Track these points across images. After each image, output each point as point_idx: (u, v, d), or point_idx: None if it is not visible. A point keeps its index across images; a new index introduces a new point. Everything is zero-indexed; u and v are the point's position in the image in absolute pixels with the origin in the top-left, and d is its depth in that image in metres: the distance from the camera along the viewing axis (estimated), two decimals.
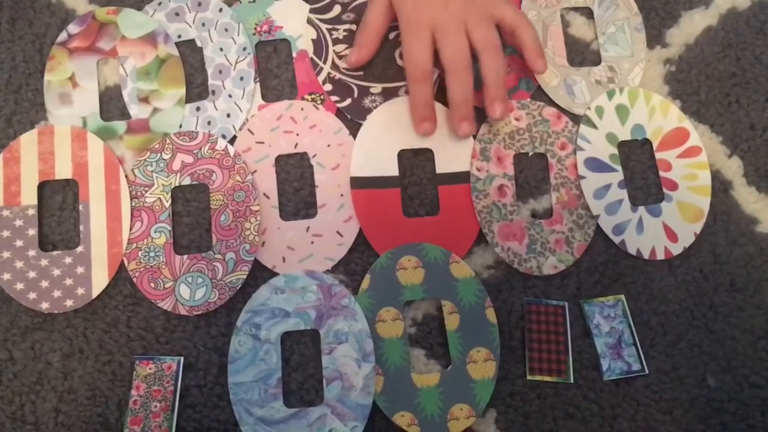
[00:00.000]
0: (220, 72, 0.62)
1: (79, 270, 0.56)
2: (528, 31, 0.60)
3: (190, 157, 0.59)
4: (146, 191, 0.58)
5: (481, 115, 0.62)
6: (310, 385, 0.55)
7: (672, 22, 0.67)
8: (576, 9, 0.67)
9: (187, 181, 0.59)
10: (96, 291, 0.56)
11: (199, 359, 0.56)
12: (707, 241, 0.61)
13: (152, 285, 0.56)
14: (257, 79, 0.62)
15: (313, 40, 0.63)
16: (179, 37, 0.63)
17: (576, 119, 0.63)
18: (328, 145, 0.60)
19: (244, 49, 0.62)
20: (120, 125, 0.60)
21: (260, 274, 0.57)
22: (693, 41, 0.66)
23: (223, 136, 0.60)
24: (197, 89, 0.62)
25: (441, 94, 0.61)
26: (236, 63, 0.62)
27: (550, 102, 0.63)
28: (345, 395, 0.54)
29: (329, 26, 0.64)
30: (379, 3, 0.60)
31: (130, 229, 0.57)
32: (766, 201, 0.62)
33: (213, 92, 0.62)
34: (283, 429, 0.53)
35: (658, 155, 0.62)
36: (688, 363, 0.58)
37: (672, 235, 0.60)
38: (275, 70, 0.63)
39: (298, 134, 0.60)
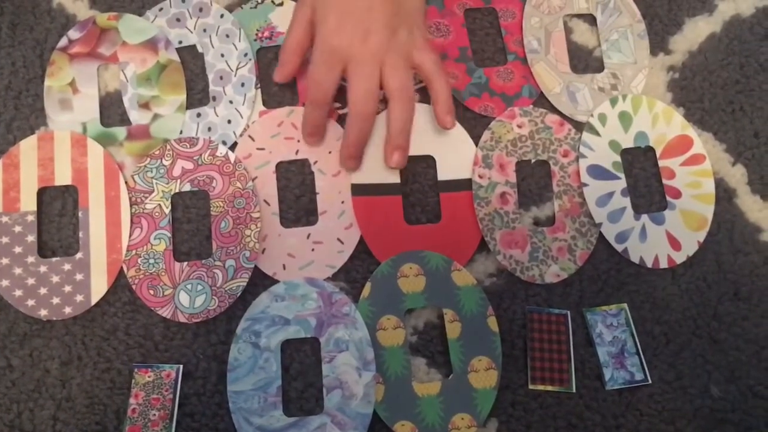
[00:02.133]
0: (221, 78, 0.62)
1: (78, 277, 0.56)
2: (443, 86, 0.58)
3: (191, 164, 0.59)
4: (146, 198, 0.58)
5: (478, 124, 0.61)
6: (310, 393, 0.55)
7: (675, 29, 0.66)
8: (579, 16, 0.66)
9: (187, 188, 0.58)
10: (95, 298, 0.56)
11: (199, 367, 0.55)
12: (711, 249, 0.60)
13: (152, 292, 0.56)
14: (258, 86, 0.62)
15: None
16: (180, 42, 0.63)
17: (579, 126, 0.62)
18: (330, 152, 0.60)
19: (245, 55, 0.62)
20: (120, 131, 0.60)
21: (260, 281, 0.57)
22: (696, 48, 0.66)
23: (224, 143, 0.60)
24: (198, 95, 0.62)
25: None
26: (237, 69, 0.62)
27: (553, 109, 0.63)
28: (345, 404, 0.53)
29: None
30: (300, 19, 0.58)
31: (130, 236, 0.57)
32: None
33: (214, 98, 0.61)
34: None
35: (661, 163, 0.62)
36: (692, 373, 0.57)
37: (675, 244, 0.60)
38: None
39: (299, 141, 0.60)
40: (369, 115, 0.56)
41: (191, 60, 0.63)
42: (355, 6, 0.55)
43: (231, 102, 0.61)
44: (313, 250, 0.58)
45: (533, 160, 0.61)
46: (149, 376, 0.54)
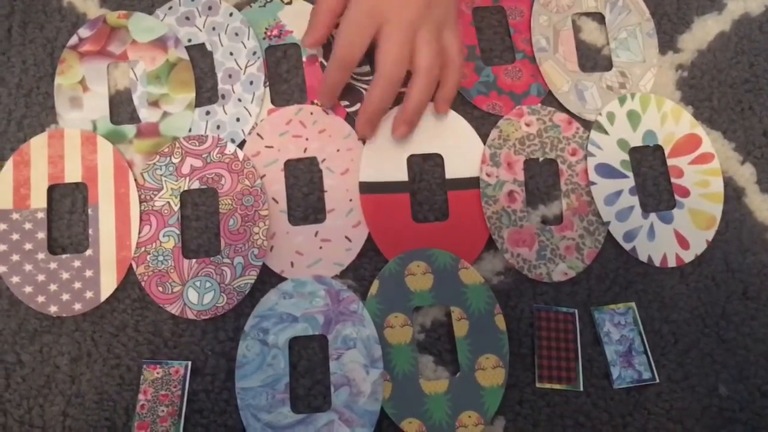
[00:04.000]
0: (230, 76, 0.62)
1: (88, 273, 0.56)
2: (454, 74, 0.58)
3: (199, 161, 0.59)
4: (155, 195, 0.58)
5: (486, 122, 0.62)
6: (317, 390, 0.55)
7: (684, 28, 0.66)
8: (587, 14, 0.66)
9: (196, 185, 0.59)
10: (104, 294, 0.56)
11: (207, 364, 0.56)
12: (719, 248, 0.60)
13: (160, 289, 0.56)
14: (267, 84, 0.62)
15: (323, 46, 0.63)
16: (189, 41, 0.63)
17: (587, 125, 0.62)
18: (338, 150, 0.60)
19: (254, 53, 0.62)
20: (130, 129, 0.60)
21: (268, 278, 0.57)
22: (705, 47, 0.66)
23: (233, 140, 0.60)
24: (207, 93, 0.62)
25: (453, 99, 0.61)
26: (246, 67, 0.62)
27: (561, 107, 0.63)
28: (353, 401, 0.53)
29: None
30: None
31: (139, 233, 0.57)
32: None
33: (222, 96, 0.62)
34: None
35: (669, 162, 0.62)
36: (700, 372, 0.57)
37: (684, 243, 0.59)
38: (285, 74, 0.63)
39: (307, 139, 0.60)
40: (396, 82, 0.55)
41: (200, 58, 0.63)
42: None
43: (240, 100, 0.61)
44: (321, 247, 0.58)
45: (541, 159, 0.61)
46: (158, 373, 0.55)
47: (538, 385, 0.56)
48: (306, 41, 0.59)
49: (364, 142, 0.60)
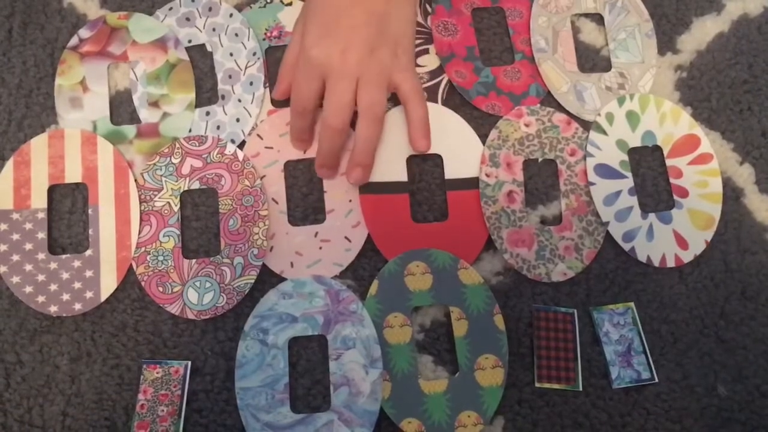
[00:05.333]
0: (230, 77, 0.62)
1: (88, 273, 0.57)
2: (419, 109, 0.58)
3: (199, 162, 0.59)
4: (155, 195, 0.58)
5: (486, 122, 0.62)
6: (317, 390, 0.55)
7: (683, 29, 0.66)
8: (586, 15, 0.66)
9: (196, 186, 0.59)
10: (104, 294, 0.56)
11: (207, 364, 0.56)
12: (718, 248, 0.60)
13: (160, 289, 0.56)
14: (267, 85, 0.62)
15: None
16: (189, 41, 0.63)
17: (586, 125, 0.62)
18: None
19: (254, 54, 0.62)
20: (130, 129, 0.61)
21: (268, 279, 0.57)
22: (704, 48, 0.66)
23: (233, 141, 0.60)
24: (207, 94, 0.62)
25: (452, 100, 0.62)
26: (246, 68, 0.62)
27: (560, 108, 0.63)
28: (352, 401, 0.53)
29: None
30: (296, 37, 0.59)
31: (139, 233, 0.57)
32: None
33: (222, 97, 0.62)
34: None
35: (668, 162, 0.62)
36: (699, 372, 0.57)
37: (683, 243, 0.60)
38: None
39: None
40: (339, 130, 0.56)
41: (200, 59, 0.63)
42: (339, 22, 0.55)
43: (239, 100, 0.61)
44: (320, 248, 0.58)
45: (540, 159, 0.61)
46: (158, 373, 0.55)
47: (537, 384, 0.56)
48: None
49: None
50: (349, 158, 0.58)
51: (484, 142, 0.61)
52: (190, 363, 0.55)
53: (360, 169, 0.58)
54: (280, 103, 0.62)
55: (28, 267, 0.57)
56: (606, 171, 0.61)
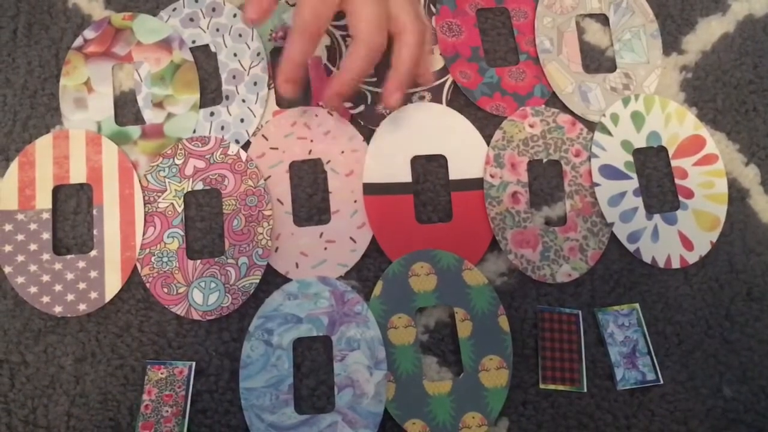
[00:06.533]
0: (234, 77, 0.62)
1: (93, 274, 0.57)
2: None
3: (203, 162, 0.59)
4: (159, 196, 0.58)
5: (490, 123, 0.62)
6: (321, 391, 0.55)
7: (688, 29, 0.66)
8: (591, 16, 0.66)
9: (199, 186, 0.59)
10: (109, 295, 0.56)
11: (211, 364, 0.56)
12: (723, 249, 0.60)
13: (165, 290, 0.56)
14: (271, 85, 0.62)
15: (327, 47, 0.63)
16: (193, 42, 0.63)
17: (591, 126, 0.62)
18: (342, 152, 0.60)
19: (258, 54, 0.62)
20: (134, 130, 0.61)
21: (273, 279, 0.57)
22: (710, 48, 0.66)
23: (237, 141, 0.60)
24: (211, 94, 0.62)
25: (457, 100, 0.61)
26: (250, 68, 0.62)
27: (565, 109, 0.63)
28: (356, 402, 0.53)
29: (343, 33, 0.64)
30: None
31: (144, 235, 0.57)
32: None
33: (227, 97, 0.62)
34: None
35: (674, 163, 0.62)
36: (704, 373, 0.57)
37: (688, 244, 0.59)
38: None
39: (312, 140, 0.60)
40: (378, 49, 0.51)
41: (204, 59, 0.63)
42: None
43: (244, 101, 0.61)
44: (325, 248, 0.58)
45: (545, 160, 0.61)
46: (162, 373, 0.55)
47: (541, 386, 0.56)
48: (247, 15, 0.52)
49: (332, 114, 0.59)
50: (389, 80, 0.53)
51: (488, 143, 0.61)
52: (194, 364, 0.55)
53: (399, 93, 0.53)
54: (285, 104, 0.62)
55: (33, 267, 0.57)
56: (611, 172, 0.61)
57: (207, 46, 0.63)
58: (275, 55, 0.63)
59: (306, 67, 0.54)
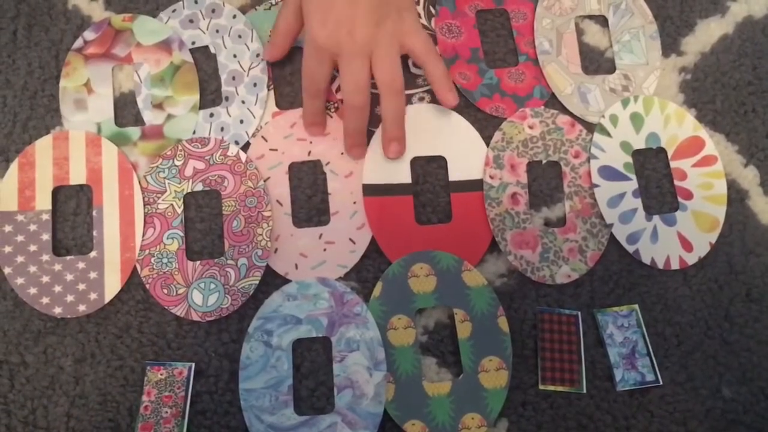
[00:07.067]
0: (234, 78, 0.62)
1: (92, 275, 0.57)
2: (437, 66, 0.58)
3: (202, 164, 0.59)
4: (159, 198, 0.58)
5: (490, 124, 0.62)
6: (321, 392, 0.55)
7: (687, 31, 0.66)
8: (590, 17, 0.66)
9: (199, 188, 0.59)
10: (108, 296, 0.56)
11: (211, 365, 0.56)
12: (723, 250, 0.60)
13: (165, 291, 0.56)
14: (271, 86, 0.62)
15: None
16: (193, 43, 0.63)
17: (590, 127, 0.62)
18: (342, 153, 0.60)
19: (258, 55, 0.63)
20: (134, 131, 0.61)
21: (272, 280, 0.57)
22: (709, 49, 0.66)
23: (236, 142, 0.60)
24: (211, 96, 0.62)
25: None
26: (249, 69, 0.62)
27: (564, 110, 0.63)
28: (356, 403, 0.53)
29: None
30: (290, 6, 0.58)
31: (143, 236, 0.57)
32: None
33: (226, 98, 0.62)
34: None
35: (673, 164, 0.62)
36: (703, 374, 0.57)
37: (687, 245, 0.59)
38: (289, 77, 0.63)
39: (311, 142, 0.60)
40: (361, 107, 0.57)
41: (204, 60, 0.63)
42: (338, 0, 0.54)
43: (243, 102, 0.62)
44: (325, 250, 0.58)
45: (544, 161, 0.61)
46: (162, 374, 0.55)
47: (541, 387, 0.56)
48: (266, 55, 0.62)
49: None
50: (382, 135, 0.59)
51: (488, 144, 0.61)
52: (194, 365, 0.55)
53: (395, 143, 0.59)
54: (284, 105, 0.62)
55: (33, 268, 0.57)
56: (610, 173, 0.61)
57: (207, 47, 0.63)
58: None
59: (324, 113, 0.60)
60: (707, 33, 0.66)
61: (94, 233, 0.58)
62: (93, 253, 0.57)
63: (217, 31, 0.63)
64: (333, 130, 0.61)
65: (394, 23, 0.56)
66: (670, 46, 0.66)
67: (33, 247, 0.57)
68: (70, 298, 0.56)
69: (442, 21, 0.64)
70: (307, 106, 0.59)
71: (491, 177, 0.60)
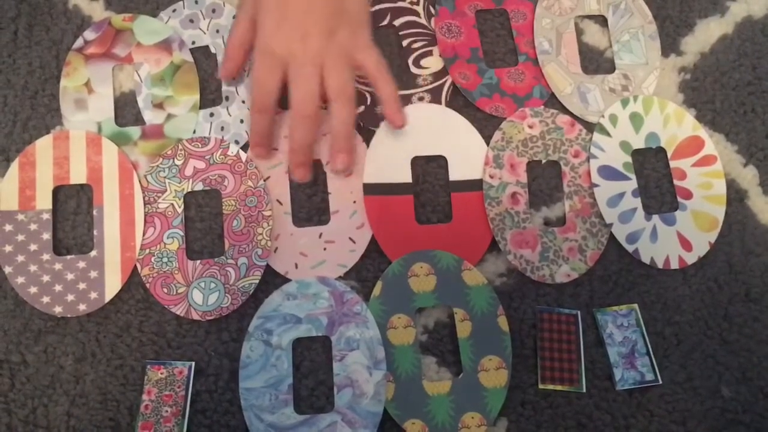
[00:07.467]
0: (234, 78, 0.62)
1: (93, 274, 0.57)
2: (387, 85, 0.58)
3: (203, 163, 0.59)
4: (159, 197, 0.59)
5: (489, 124, 0.62)
6: (320, 391, 0.55)
7: (687, 31, 0.66)
8: (590, 17, 0.66)
9: (199, 187, 0.59)
10: (109, 295, 0.56)
11: (211, 364, 0.56)
12: (722, 250, 0.60)
13: (165, 290, 0.56)
14: None
15: None
16: (193, 43, 0.63)
17: (589, 127, 0.62)
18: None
19: None
20: (134, 131, 0.61)
21: (272, 280, 0.57)
22: (708, 49, 0.66)
23: (237, 142, 0.60)
24: (211, 95, 0.62)
25: (456, 101, 0.62)
26: (249, 69, 0.62)
27: (564, 110, 0.63)
28: (356, 402, 0.53)
29: None
30: (242, 17, 0.58)
31: (143, 235, 0.57)
32: None
33: (227, 98, 0.62)
34: None
35: (672, 164, 0.62)
36: (703, 373, 0.57)
37: (686, 244, 0.60)
38: None
39: None
40: (311, 117, 0.55)
41: (204, 60, 0.63)
42: (293, 8, 0.55)
43: (243, 102, 0.62)
44: (324, 249, 0.58)
45: (544, 161, 0.61)
46: (162, 373, 0.55)
47: (540, 386, 0.56)
48: (220, 73, 0.61)
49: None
50: (330, 145, 0.58)
51: (488, 144, 0.61)
52: (194, 364, 0.55)
53: (343, 154, 0.57)
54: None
55: (33, 268, 0.57)
56: (610, 173, 0.61)
57: (207, 47, 0.63)
58: None
59: (271, 133, 0.59)
60: (707, 33, 0.66)
61: (95, 233, 0.58)
62: (93, 253, 0.57)
63: (218, 31, 0.63)
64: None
65: (347, 37, 0.56)
66: (669, 46, 0.66)
67: (33, 247, 0.57)
68: (70, 297, 0.56)
69: (441, 21, 0.64)
70: (255, 122, 0.57)
71: (491, 176, 0.60)
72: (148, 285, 0.57)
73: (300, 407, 0.54)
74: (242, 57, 0.59)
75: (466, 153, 0.61)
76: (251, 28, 0.57)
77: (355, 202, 0.59)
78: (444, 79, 0.63)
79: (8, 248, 0.57)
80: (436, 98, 0.62)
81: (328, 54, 0.55)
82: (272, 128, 0.59)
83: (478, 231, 0.59)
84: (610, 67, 0.65)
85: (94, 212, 0.58)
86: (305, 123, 0.56)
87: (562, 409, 0.56)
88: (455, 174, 0.60)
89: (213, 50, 0.63)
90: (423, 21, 0.65)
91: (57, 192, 0.59)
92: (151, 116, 0.61)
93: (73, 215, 0.59)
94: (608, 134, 0.62)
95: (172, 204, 0.58)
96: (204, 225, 0.59)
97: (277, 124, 0.61)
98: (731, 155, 0.63)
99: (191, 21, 0.64)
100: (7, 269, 0.57)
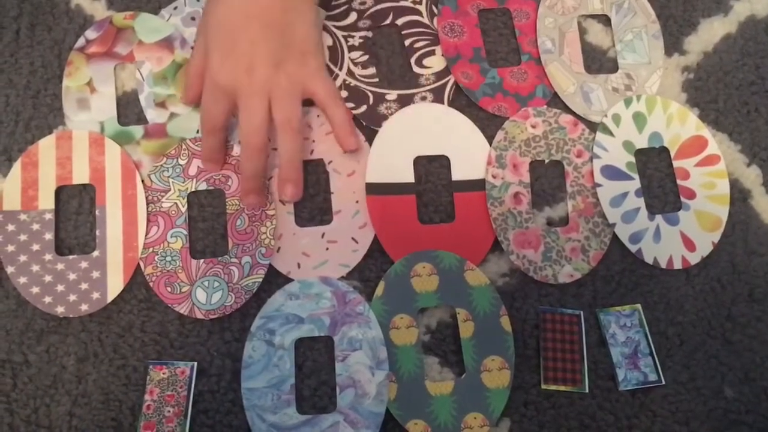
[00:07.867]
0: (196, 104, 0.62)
1: (95, 274, 0.57)
2: (338, 111, 0.58)
3: None
4: (162, 196, 0.58)
5: (492, 124, 0.62)
6: (323, 392, 0.55)
7: (690, 30, 0.66)
8: (593, 16, 0.66)
9: (203, 186, 0.59)
10: (111, 295, 0.56)
11: (213, 364, 0.56)
12: (725, 250, 0.60)
13: (169, 289, 0.56)
14: None
15: (329, 47, 0.63)
16: (195, 41, 0.63)
17: (592, 127, 0.62)
18: (344, 152, 0.60)
19: None
20: (137, 130, 0.61)
21: (275, 280, 0.57)
22: (711, 49, 0.66)
23: (240, 142, 0.60)
24: None
25: (459, 101, 0.61)
26: None
27: (567, 109, 0.63)
28: (358, 403, 0.53)
29: (345, 33, 0.64)
30: (198, 47, 0.58)
31: (147, 234, 0.57)
32: None
33: None
34: None
35: (675, 163, 0.62)
36: (706, 374, 0.57)
37: (690, 244, 0.59)
38: None
39: (314, 141, 0.60)
40: (259, 148, 0.56)
41: None
42: (239, 41, 0.55)
43: None
44: (327, 249, 0.58)
45: (547, 161, 0.61)
46: (164, 373, 0.55)
47: (543, 386, 0.56)
48: (183, 101, 0.61)
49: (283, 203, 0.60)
50: (278, 175, 0.58)
51: (490, 144, 0.61)
52: (196, 364, 0.55)
53: (290, 184, 0.57)
54: None
55: (35, 268, 0.57)
56: (613, 172, 0.61)
57: None
58: None
59: (222, 149, 0.59)
60: (710, 32, 0.66)
61: (97, 233, 0.58)
62: (95, 253, 0.57)
63: None
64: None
65: (295, 66, 0.56)
66: (672, 45, 0.66)
67: (36, 247, 0.57)
68: (72, 297, 0.56)
69: (444, 20, 0.64)
70: (204, 141, 0.58)
71: (494, 176, 0.60)
72: (151, 283, 0.56)
73: (302, 407, 0.54)
74: (201, 85, 0.58)
75: (468, 153, 0.61)
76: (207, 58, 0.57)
77: (357, 201, 0.59)
78: (446, 79, 0.63)
79: (10, 248, 0.57)
80: (438, 98, 0.62)
81: (275, 85, 0.55)
82: (223, 145, 0.59)
83: (481, 231, 0.59)
84: (613, 67, 0.65)
85: (97, 212, 0.58)
86: (253, 155, 0.56)
87: (565, 409, 0.56)
88: (458, 174, 0.60)
89: None
90: (425, 20, 0.65)
91: (59, 192, 0.59)
92: (153, 115, 0.61)
93: (75, 215, 0.59)
94: (611, 134, 0.62)
95: (176, 203, 0.58)
96: (207, 224, 0.59)
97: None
98: (734, 155, 0.63)
99: (193, 18, 0.64)
100: (10, 269, 0.56)
